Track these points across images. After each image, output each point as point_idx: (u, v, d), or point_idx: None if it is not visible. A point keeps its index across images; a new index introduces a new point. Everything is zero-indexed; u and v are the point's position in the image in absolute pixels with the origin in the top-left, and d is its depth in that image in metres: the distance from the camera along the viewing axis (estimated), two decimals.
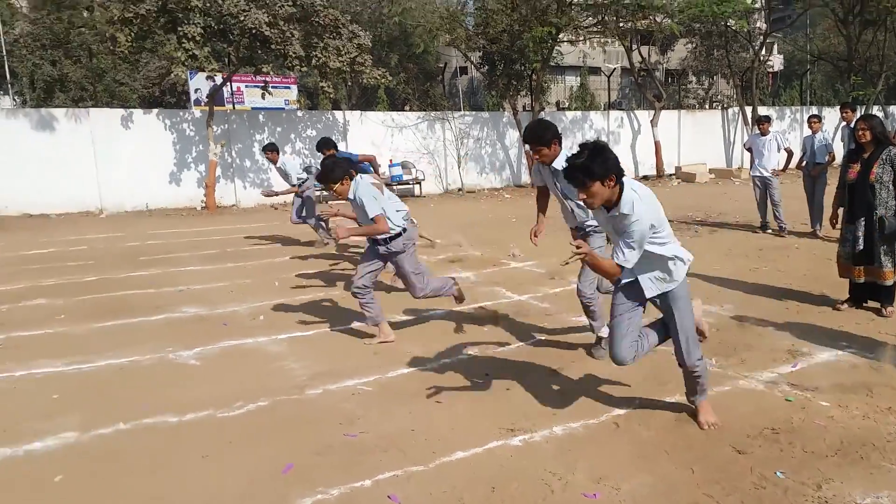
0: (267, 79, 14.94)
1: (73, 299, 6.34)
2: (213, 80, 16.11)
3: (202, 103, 18.99)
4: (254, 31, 12.75)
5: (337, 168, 4.60)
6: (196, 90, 19.69)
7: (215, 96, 15.54)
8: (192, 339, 4.98)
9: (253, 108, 18.45)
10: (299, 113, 17.58)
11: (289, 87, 21.16)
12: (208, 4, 12.50)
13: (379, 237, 4.63)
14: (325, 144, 7.36)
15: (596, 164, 2.84)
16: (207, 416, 3.59)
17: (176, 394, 3.91)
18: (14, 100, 22.77)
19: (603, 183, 2.87)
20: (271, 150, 8.75)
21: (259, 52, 13.77)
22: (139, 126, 14.20)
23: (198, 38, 12.36)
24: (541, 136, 4.02)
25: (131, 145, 14.00)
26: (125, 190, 13.88)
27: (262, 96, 15.70)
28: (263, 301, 6.08)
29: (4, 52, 21.45)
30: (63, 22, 22.93)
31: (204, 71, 14.22)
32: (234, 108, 18.31)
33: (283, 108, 19.21)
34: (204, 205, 14.35)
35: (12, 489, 2.88)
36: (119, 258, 8.56)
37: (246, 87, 20.07)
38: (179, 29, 12.34)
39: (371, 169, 7.61)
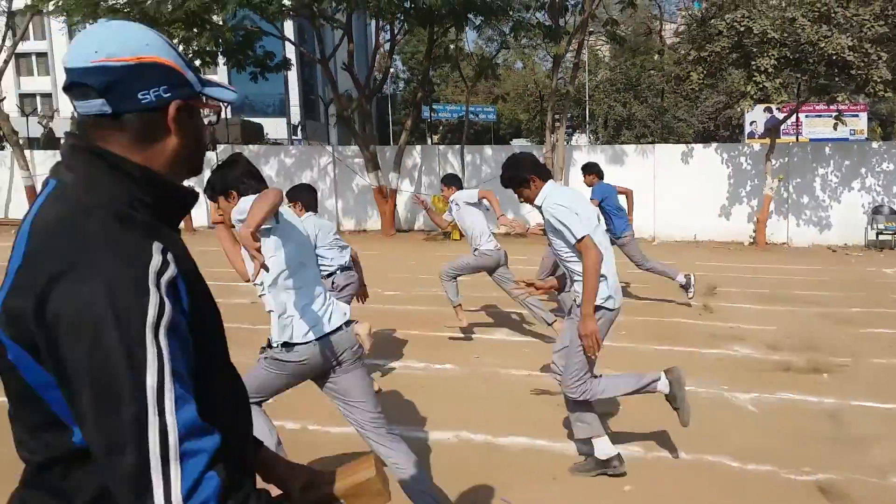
0: (840, 107, 13.48)
1: (633, 318, 6.98)
2: (771, 112, 15.47)
3: (755, 136, 18.49)
4: (833, 57, 11.66)
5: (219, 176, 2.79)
6: (751, 123, 19.32)
7: (778, 129, 14.89)
8: (746, 381, 4.82)
9: (812, 140, 16.96)
10: (874, 144, 15.27)
11: (857, 116, 18.69)
12: (786, 35, 12.03)
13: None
14: None
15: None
16: (770, 473, 3.37)
17: (736, 438, 3.82)
18: (589, 137, 26.85)
19: (227, 199, 2.52)
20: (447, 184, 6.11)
21: (836, 79, 12.52)
22: (696, 160, 14.73)
23: (770, 70, 12.03)
24: (511, 177, 3.31)
25: (686, 178, 14.61)
26: (677, 220, 14.55)
27: (835, 126, 14.26)
28: (821, 352, 5.44)
29: (587, 96, 25.46)
30: (637, 67, 25.81)
31: (770, 103, 13.78)
32: (796, 139, 17.21)
33: (848, 139, 17.05)
34: (753, 240, 13.91)
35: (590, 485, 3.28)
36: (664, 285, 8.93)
37: (806, 117, 18.64)
38: (752, 63, 12.25)
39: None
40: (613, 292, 3.24)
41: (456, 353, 5.63)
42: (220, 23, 12.27)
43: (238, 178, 2.59)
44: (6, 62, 16.85)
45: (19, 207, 16.97)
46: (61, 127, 38.91)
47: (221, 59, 14.43)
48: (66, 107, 45.17)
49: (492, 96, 28.47)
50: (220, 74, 36.37)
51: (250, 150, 16.71)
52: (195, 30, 11.66)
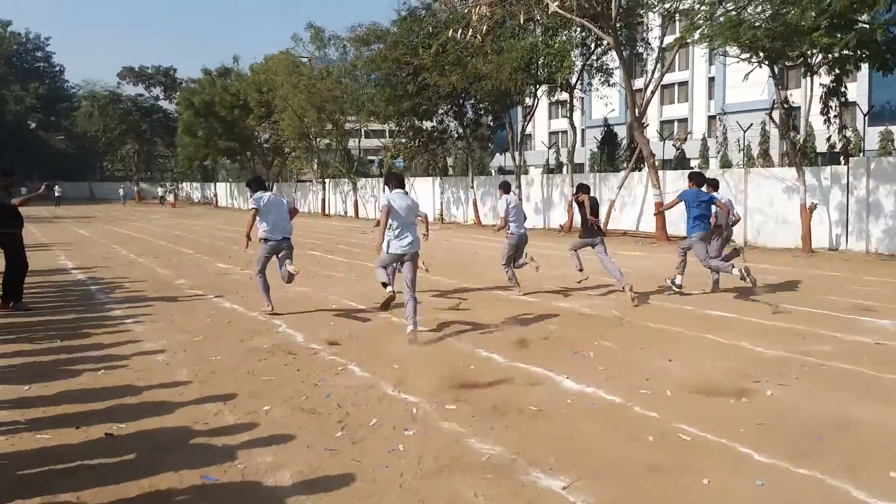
0: None
1: None
2: None
3: None
4: None
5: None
6: None
7: None
8: None
9: None
10: None
11: None
12: None
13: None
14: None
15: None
16: None
17: None
18: None
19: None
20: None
21: None
22: None
23: None
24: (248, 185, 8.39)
25: None
26: None
27: None
28: None
29: None
30: None
31: None
32: None
33: None
34: None
35: None
36: None
37: None
38: None
39: None
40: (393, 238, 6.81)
41: None
42: (868, 21, 10.87)
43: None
44: (653, 92, 19.31)
45: (648, 221, 19.22)
46: (692, 149, 42.25)
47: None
48: (698, 131, 48.90)
49: None
50: (860, 80, 32.58)
51: (890, 162, 14.35)
52: (838, 34, 10.64)
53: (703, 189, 8.76)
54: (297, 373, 5.68)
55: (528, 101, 24.49)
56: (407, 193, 6.96)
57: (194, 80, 47.17)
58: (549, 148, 30.66)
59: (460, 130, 26.43)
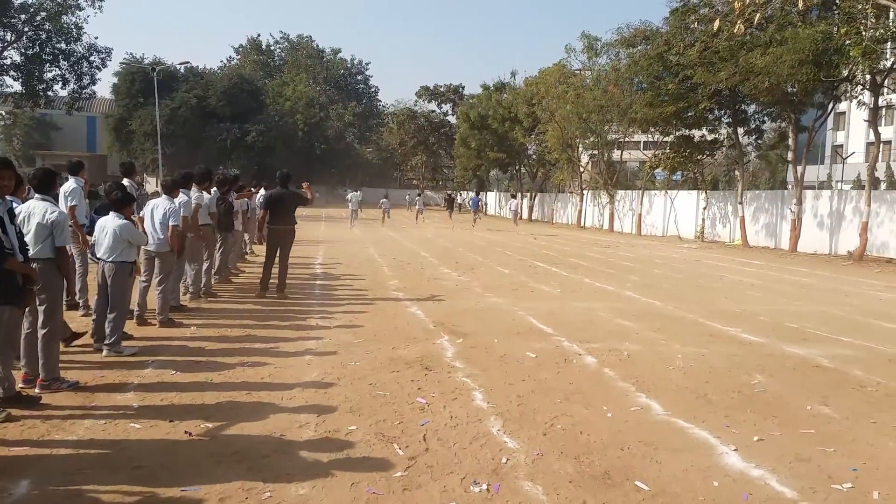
0: None
1: None
2: None
3: None
4: None
5: None
6: None
7: None
8: None
9: None
10: None
11: None
12: None
13: None
14: None
15: None
16: None
17: None
18: None
19: None
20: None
21: None
22: None
23: None
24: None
25: None
26: None
27: None
28: None
29: None
30: None
31: None
32: None
33: None
34: None
35: None
36: None
37: None
38: None
39: None
40: None
41: None
42: None
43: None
44: None
45: None
46: None
47: None
48: None
49: None
50: None
51: None
52: None
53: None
54: (416, 391, 5.23)
55: (832, 103, 20.59)
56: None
57: (474, 95, 50.05)
58: (845, 159, 25.49)
59: (733, 137, 23.41)
